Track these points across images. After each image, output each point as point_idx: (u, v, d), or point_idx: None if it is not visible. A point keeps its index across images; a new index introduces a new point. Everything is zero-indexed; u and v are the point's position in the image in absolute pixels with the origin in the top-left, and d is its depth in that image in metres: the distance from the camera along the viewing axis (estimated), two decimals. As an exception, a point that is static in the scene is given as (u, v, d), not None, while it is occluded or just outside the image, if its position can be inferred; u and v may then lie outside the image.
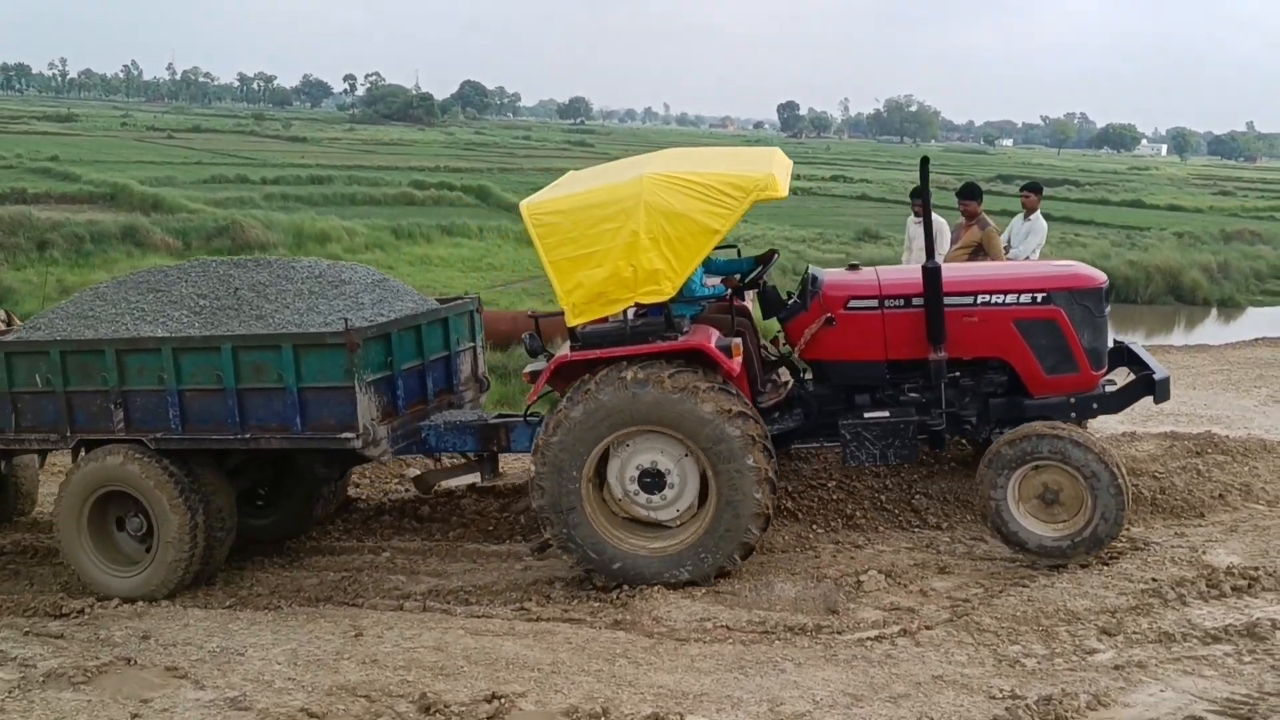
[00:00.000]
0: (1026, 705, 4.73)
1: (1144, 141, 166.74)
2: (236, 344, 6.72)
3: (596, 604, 6.43)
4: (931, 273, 6.57)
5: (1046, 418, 6.63)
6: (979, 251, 9.73)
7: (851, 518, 7.57)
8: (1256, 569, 6.09)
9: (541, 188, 7.19)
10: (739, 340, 6.58)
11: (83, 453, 7.24)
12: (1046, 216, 10.79)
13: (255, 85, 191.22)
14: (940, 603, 6.11)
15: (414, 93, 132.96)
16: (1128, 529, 7.13)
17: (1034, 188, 10.62)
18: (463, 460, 7.93)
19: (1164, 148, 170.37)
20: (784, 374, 7.47)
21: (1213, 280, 24.72)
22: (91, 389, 6.99)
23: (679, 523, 6.64)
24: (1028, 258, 9.97)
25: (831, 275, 7.23)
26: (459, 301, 8.17)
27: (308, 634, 6.08)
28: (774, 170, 6.48)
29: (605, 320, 6.72)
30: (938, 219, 9.75)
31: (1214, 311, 23.82)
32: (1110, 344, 7.18)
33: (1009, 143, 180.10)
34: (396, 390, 7.09)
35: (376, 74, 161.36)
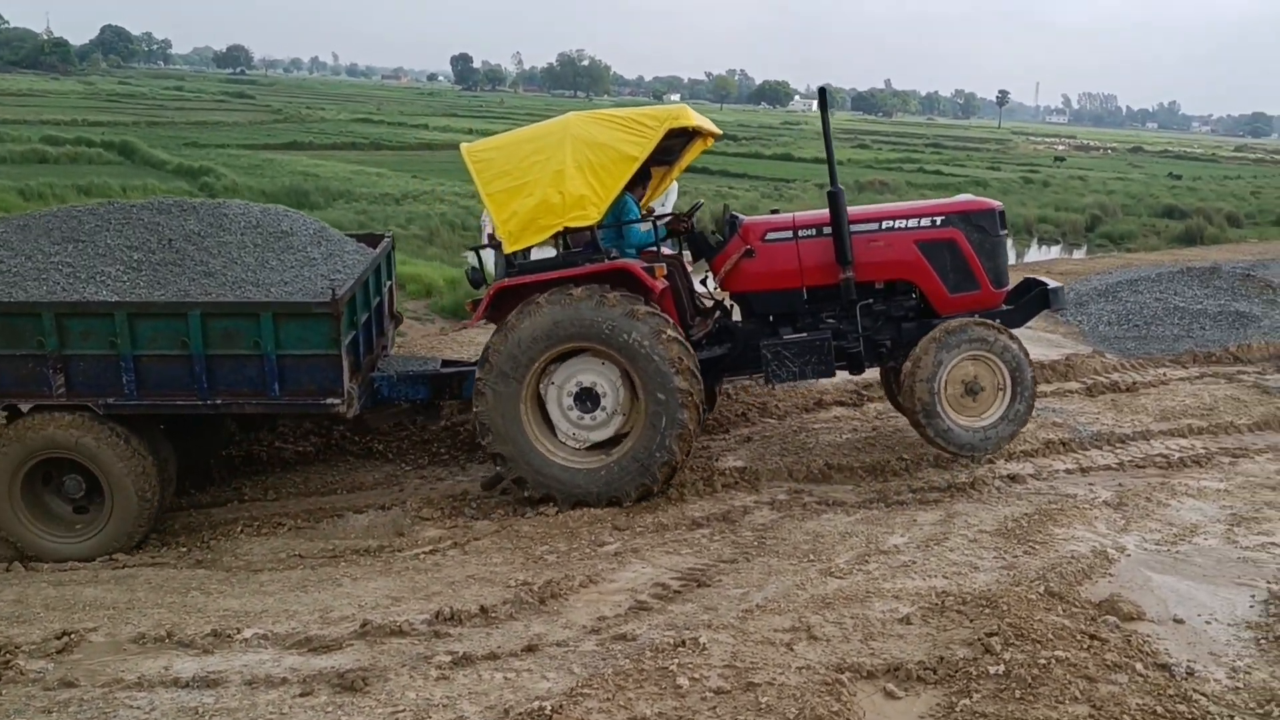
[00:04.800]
0: (532, 589, 5.81)
1: (796, 97, 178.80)
2: (207, 311, 6.56)
3: (183, 549, 6.98)
4: (834, 196, 7.43)
5: None
6: None
7: (436, 454, 8.51)
8: (746, 469, 7.56)
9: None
10: (662, 265, 7.33)
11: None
12: (704, 170, 11.91)
13: None
14: (493, 518, 7.14)
15: (45, 37, 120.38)
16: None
17: None
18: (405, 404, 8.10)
19: (814, 103, 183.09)
20: (717, 314, 8.09)
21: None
22: (22, 352, 6.57)
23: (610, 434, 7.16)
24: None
25: (751, 217, 8.07)
26: (384, 242, 8.29)
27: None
28: (686, 106, 7.38)
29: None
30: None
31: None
32: (1024, 279, 8.13)
33: (676, 97, 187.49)
34: (359, 346, 7.20)
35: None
